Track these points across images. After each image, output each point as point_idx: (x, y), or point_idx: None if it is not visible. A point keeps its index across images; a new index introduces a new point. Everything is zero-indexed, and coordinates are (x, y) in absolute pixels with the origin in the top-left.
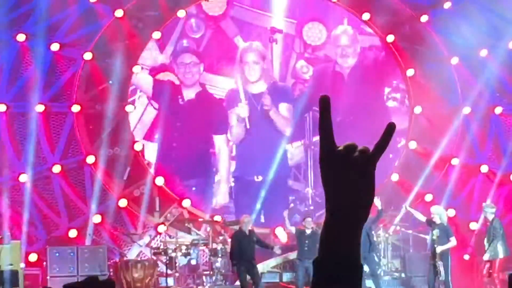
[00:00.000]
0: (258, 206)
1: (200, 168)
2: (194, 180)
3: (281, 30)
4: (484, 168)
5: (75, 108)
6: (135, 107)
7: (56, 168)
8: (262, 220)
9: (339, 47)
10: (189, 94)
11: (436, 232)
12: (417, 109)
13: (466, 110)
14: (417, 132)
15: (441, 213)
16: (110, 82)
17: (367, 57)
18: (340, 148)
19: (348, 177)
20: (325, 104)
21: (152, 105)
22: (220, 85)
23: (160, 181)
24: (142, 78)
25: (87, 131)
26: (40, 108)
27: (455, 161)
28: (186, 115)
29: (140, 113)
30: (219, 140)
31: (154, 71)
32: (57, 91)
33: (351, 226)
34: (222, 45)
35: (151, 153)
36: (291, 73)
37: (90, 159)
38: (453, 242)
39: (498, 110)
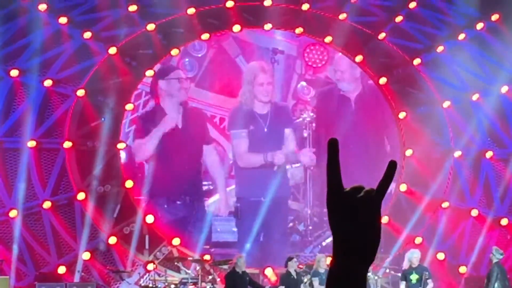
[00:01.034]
0: (257, 226)
1: (197, 184)
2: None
3: (282, 51)
4: (474, 212)
5: (67, 145)
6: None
7: (47, 204)
8: (261, 239)
9: (339, 72)
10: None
11: (415, 276)
12: (408, 152)
13: (457, 153)
14: (408, 175)
15: (419, 255)
16: (103, 119)
17: (368, 80)
18: (347, 190)
19: (355, 218)
20: (333, 147)
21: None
22: (222, 104)
23: (150, 219)
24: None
25: (78, 167)
26: (31, 143)
27: (445, 205)
28: (182, 135)
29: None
30: (212, 154)
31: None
32: (49, 127)
33: (360, 268)
34: (224, 64)
35: (150, 173)
36: (292, 94)
37: (81, 196)
38: (431, 284)
39: (489, 154)
